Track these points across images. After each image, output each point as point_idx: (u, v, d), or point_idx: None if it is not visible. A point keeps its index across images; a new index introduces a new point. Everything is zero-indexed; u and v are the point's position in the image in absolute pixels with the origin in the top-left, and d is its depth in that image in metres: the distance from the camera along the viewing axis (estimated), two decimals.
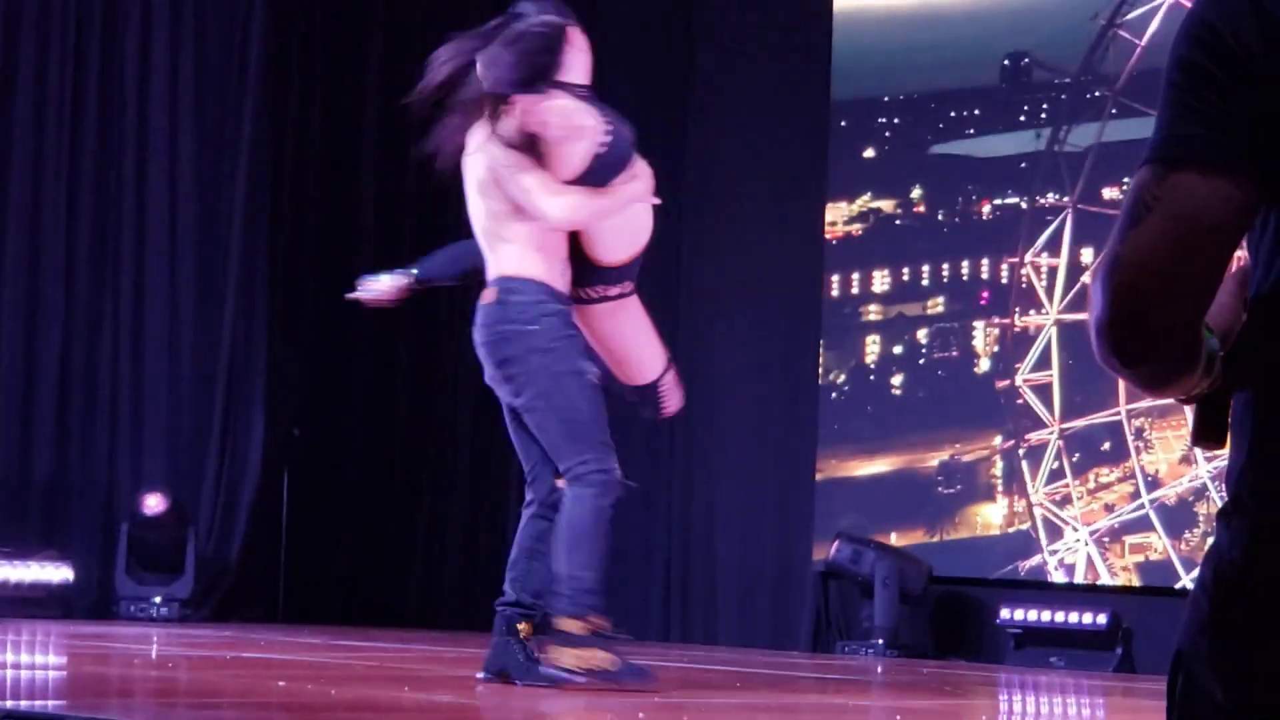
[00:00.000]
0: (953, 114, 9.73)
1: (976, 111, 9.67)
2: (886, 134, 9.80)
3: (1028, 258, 9.41)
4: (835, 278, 9.90)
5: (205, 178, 10.13)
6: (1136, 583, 9.00)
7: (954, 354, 9.65)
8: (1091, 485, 9.15)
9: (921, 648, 9.36)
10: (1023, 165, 9.50)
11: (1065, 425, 9.19)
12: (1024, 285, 9.37)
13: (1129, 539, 9.04)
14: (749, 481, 10.09)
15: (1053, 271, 9.32)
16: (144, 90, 10.06)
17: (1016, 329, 9.41)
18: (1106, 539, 9.09)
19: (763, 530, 10.02)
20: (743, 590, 9.98)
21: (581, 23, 10.31)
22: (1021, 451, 9.32)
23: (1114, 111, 9.19)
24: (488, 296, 6.02)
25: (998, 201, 9.57)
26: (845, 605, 9.68)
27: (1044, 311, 9.33)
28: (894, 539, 9.63)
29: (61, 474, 9.84)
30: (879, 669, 8.78)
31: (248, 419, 10.10)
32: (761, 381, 10.08)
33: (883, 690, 7.84)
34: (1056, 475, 9.21)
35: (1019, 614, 9.03)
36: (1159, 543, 8.94)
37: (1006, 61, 9.58)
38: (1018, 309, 9.41)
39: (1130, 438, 9.01)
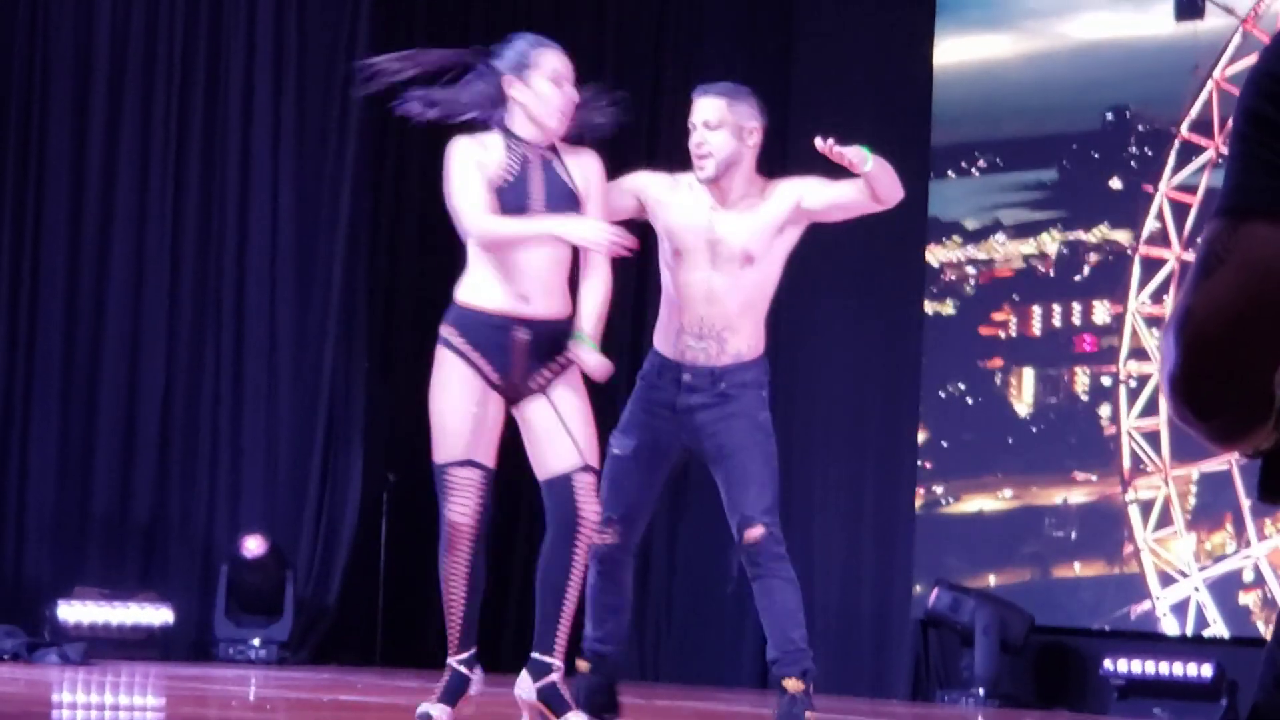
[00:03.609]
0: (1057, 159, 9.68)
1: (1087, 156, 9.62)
2: (1132, 164, 9.62)
3: (1132, 306, 9.33)
4: (1057, 307, 9.75)
5: (305, 224, 10.18)
6: (1245, 632, 8.88)
7: (1063, 397, 9.58)
8: (1203, 534, 9.05)
9: (1023, 698, 9.26)
10: (1127, 215, 9.43)
11: (1175, 472, 9.09)
12: (1132, 332, 9.31)
13: (1238, 587, 8.93)
14: (847, 526, 10.03)
15: (1158, 320, 9.24)
16: (246, 139, 10.13)
17: (1124, 375, 9.34)
18: (1216, 587, 8.97)
19: (862, 575, 9.95)
20: (842, 637, 9.90)
21: (673, 86, 10.17)
22: (1129, 497, 9.24)
23: (1220, 162, 9.10)
24: None
25: (1105, 249, 9.50)
26: (945, 654, 9.59)
27: (1151, 360, 9.24)
28: (994, 581, 9.55)
29: (161, 516, 9.90)
30: (979, 719, 8.70)
31: (346, 462, 10.12)
32: (859, 423, 10.02)
33: None
34: (1165, 521, 9.12)
35: (1122, 665, 8.92)
36: (1269, 591, 8.82)
37: (1110, 115, 9.52)
38: (1124, 356, 9.34)
39: (1240, 485, 8.91)
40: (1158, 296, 9.27)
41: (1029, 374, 9.73)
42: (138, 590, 9.54)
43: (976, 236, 9.90)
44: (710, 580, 10.31)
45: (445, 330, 5.82)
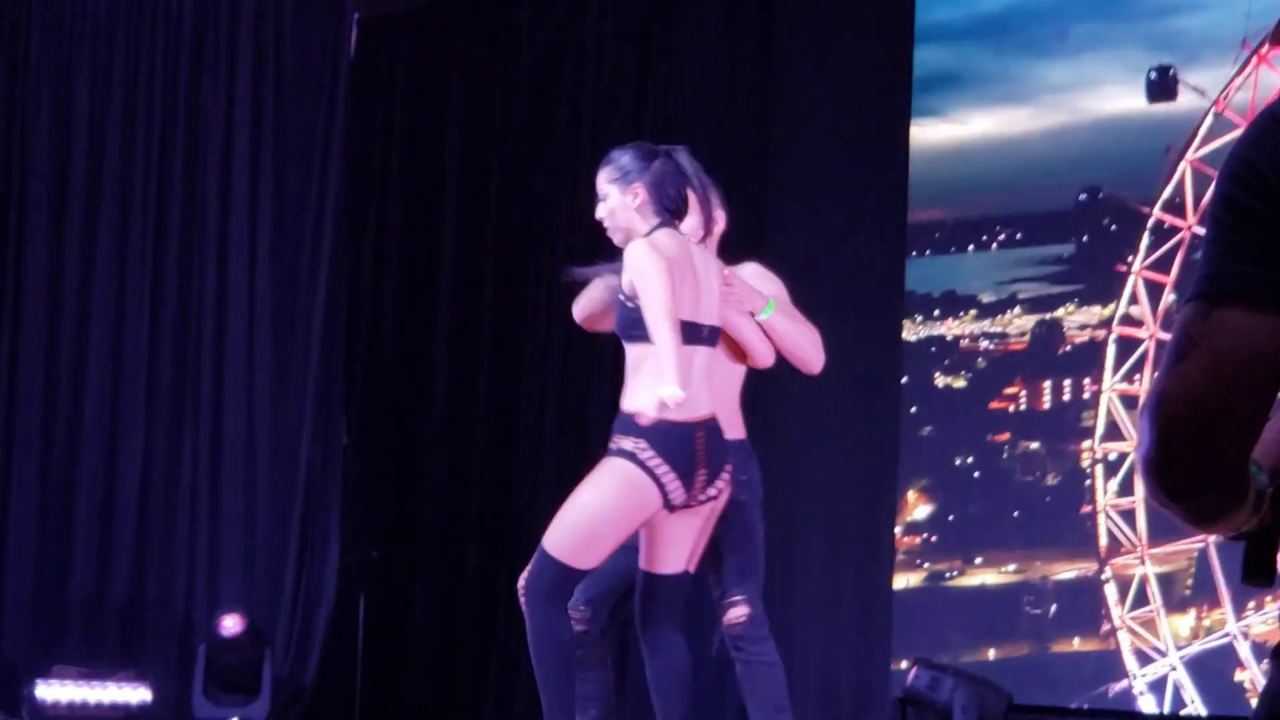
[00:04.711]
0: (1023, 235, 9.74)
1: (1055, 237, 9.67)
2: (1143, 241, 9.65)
3: (1107, 384, 9.37)
4: (1068, 383, 9.76)
5: (282, 302, 10.19)
6: (1235, 711, 8.88)
7: (1040, 475, 9.61)
8: (1181, 611, 9.06)
9: None
10: (1102, 294, 9.48)
11: (1152, 550, 9.12)
12: (1108, 411, 9.35)
13: (1234, 665, 8.94)
14: (828, 601, 10.02)
15: (1134, 400, 9.28)
16: (224, 221, 10.12)
17: (1100, 455, 9.36)
18: (1201, 666, 8.99)
19: (841, 652, 9.94)
20: (821, 714, 9.89)
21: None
22: (1105, 575, 9.25)
23: (1193, 243, 9.15)
24: None
25: (1079, 329, 9.54)
26: None
27: (1128, 439, 9.27)
28: (994, 655, 9.56)
29: (139, 594, 9.87)
30: None
31: (324, 541, 10.10)
32: (839, 498, 10.03)
33: None
34: (1143, 600, 9.14)
35: None
36: (1249, 671, 8.83)
37: (1083, 195, 9.58)
38: (1100, 435, 9.37)
39: (1217, 564, 8.93)
40: (1132, 376, 9.31)
41: (1036, 448, 9.76)
42: (116, 669, 9.50)
43: (992, 310, 9.94)
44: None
45: None
